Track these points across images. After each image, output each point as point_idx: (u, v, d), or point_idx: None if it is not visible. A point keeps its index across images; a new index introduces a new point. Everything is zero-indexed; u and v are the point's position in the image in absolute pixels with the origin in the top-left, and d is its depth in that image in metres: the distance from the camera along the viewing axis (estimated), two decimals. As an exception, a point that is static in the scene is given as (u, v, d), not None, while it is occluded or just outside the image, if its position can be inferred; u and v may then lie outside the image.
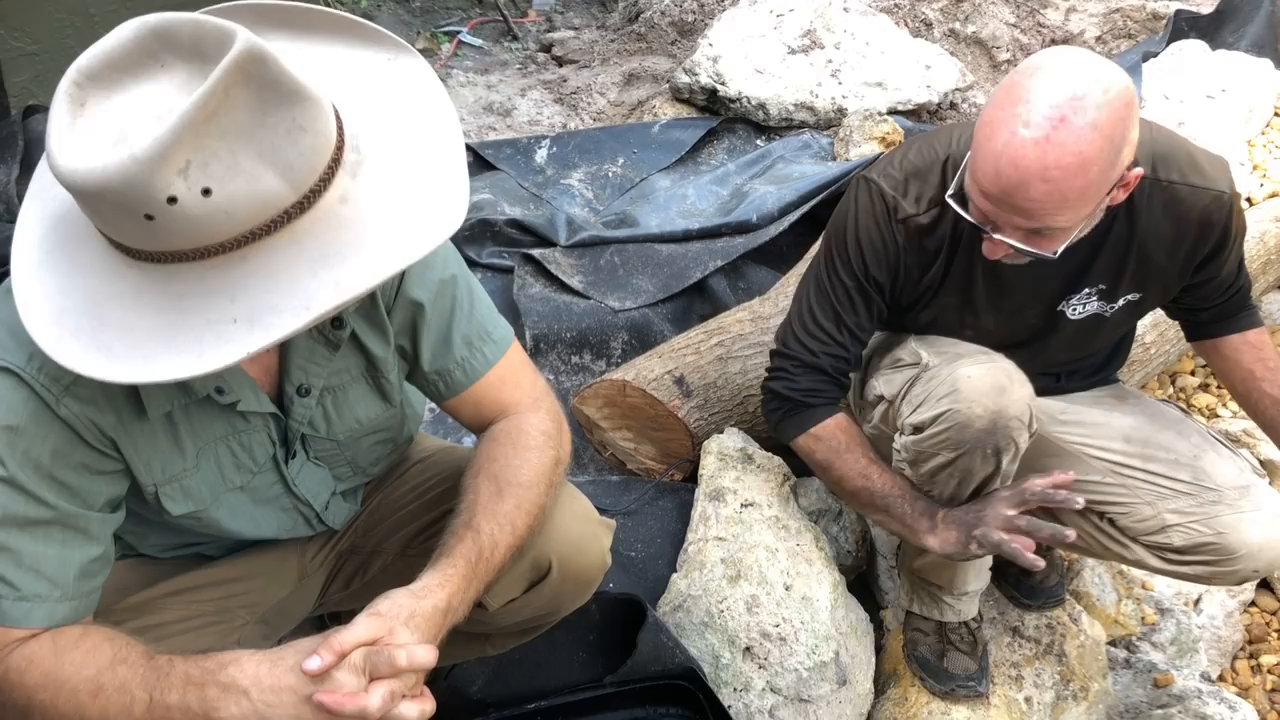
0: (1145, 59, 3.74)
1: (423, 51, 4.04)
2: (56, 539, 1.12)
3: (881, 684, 2.06)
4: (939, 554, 1.68)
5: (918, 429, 1.66)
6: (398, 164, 1.06)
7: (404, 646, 1.10)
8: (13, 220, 2.93)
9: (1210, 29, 3.94)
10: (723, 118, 3.37)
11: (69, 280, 1.01)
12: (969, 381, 1.59)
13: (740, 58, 3.35)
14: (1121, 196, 1.53)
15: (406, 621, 1.14)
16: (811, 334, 1.75)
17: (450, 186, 1.06)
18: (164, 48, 0.95)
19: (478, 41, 4.22)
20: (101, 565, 1.17)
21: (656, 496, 2.18)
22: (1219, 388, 3.17)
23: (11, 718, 1.11)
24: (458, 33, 4.24)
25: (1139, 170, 1.49)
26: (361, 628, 1.10)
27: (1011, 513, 1.60)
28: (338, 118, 1.02)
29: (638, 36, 3.89)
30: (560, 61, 3.99)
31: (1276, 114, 3.67)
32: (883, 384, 1.79)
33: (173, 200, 0.91)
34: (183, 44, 0.95)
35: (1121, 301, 1.74)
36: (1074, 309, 1.75)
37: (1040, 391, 1.75)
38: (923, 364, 1.72)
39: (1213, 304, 1.81)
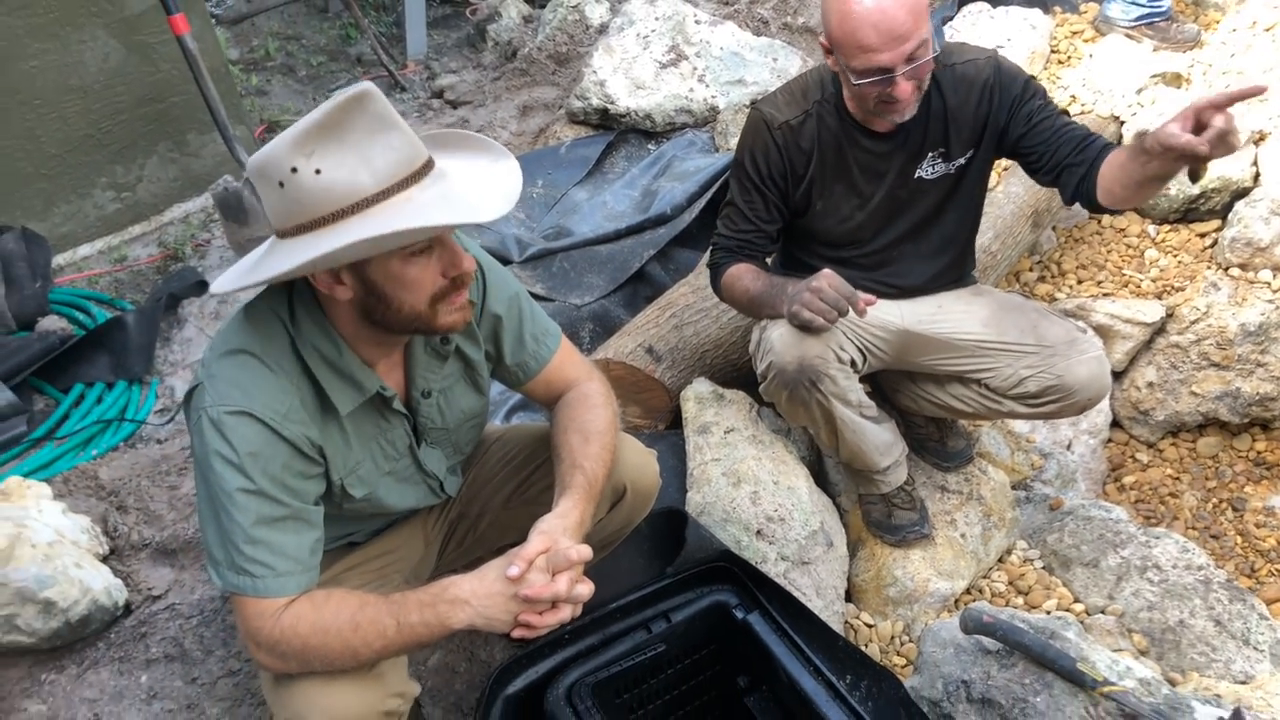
0: (944, 22, 4.45)
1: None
2: (292, 529, 1.46)
3: (852, 549, 2.61)
4: (788, 320, 2.12)
5: (762, 377, 2.25)
6: (464, 183, 1.46)
7: (571, 547, 1.49)
8: (10, 333, 3.29)
9: (990, -10, 4.65)
10: (617, 131, 3.90)
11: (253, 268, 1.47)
12: (779, 340, 2.16)
13: (622, 78, 3.88)
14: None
15: (563, 533, 1.52)
16: (728, 226, 2.35)
17: (494, 193, 1.46)
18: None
19: (371, 98, 4.59)
20: (320, 544, 1.54)
21: (651, 444, 2.68)
22: (1054, 277, 3.88)
23: (291, 662, 1.45)
24: (351, 93, 4.60)
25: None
26: (537, 542, 1.48)
27: (808, 295, 2.03)
28: (430, 160, 1.44)
29: (520, 72, 4.36)
30: (454, 104, 4.40)
31: (1053, 51, 4.42)
32: (751, 346, 2.34)
33: (295, 170, 1.33)
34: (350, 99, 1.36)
35: (961, 160, 2.26)
36: (926, 170, 2.26)
37: (919, 292, 2.37)
38: (761, 327, 2.27)
39: (1071, 149, 2.13)
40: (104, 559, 2.37)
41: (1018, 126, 2.20)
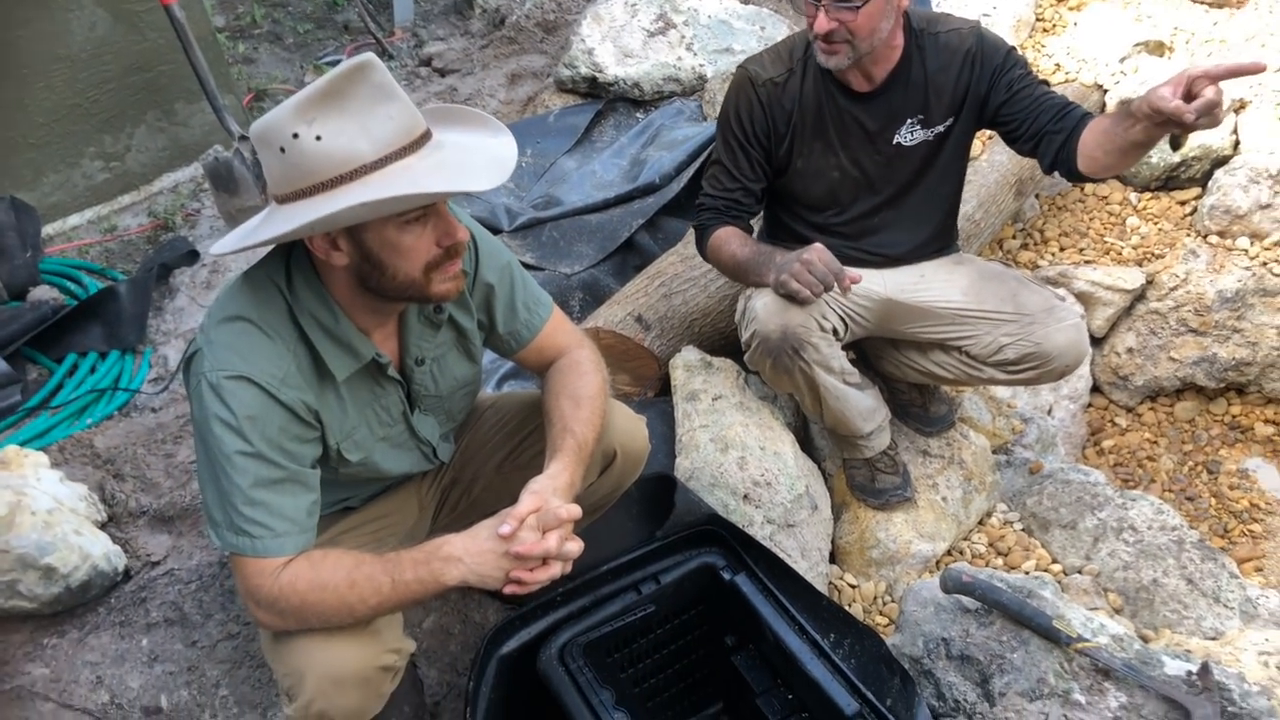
0: (932, -11, 4.46)
1: (313, 84, 4.44)
2: (289, 491, 1.50)
3: (836, 512, 2.67)
4: (772, 287, 2.16)
5: (746, 345, 2.30)
6: (460, 153, 1.49)
7: (561, 506, 1.53)
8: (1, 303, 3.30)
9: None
10: (605, 99, 3.91)
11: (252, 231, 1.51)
12: (763, 309, 2.20)
13: (610, 47, 3.89)
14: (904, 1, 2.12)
15: (554, 493, 1.56)
16: (713, 185, 2.38)
17: (489, 163, 1.49)
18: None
19: (359, 66, 4.58)
20: (317, 506, 1.58)
21: (640, 411, 2.72)
22: (1036, 245, 3.93)
23: (289, 620, 1.49)
24: (338, 61, 4.61)
25: None
26: (528, 501, 1.53)
27: (798, 266, 2.07)
28: (428, 130, 1.48)
29: (509, 40, 4.36)
30: (443, 72, 4.40)
31: (1038, 19, 4.45)
32: (737, 315, 2.39)
33: (296, 136, 1.36)
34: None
35: (941, 127, 2.30)
36: (905, 137, 2.30)
37: (902, 261, 2.41)
38: (746, 296, 2.32)
39: (1050, 118, 2.16)
40: (102, 526, 2.41)
41: (998, 95, 2.23)
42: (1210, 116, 1.77)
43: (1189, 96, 1.78)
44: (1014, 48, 2.28)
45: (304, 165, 1.39)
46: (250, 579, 1.49)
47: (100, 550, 2.27)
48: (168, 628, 2.25)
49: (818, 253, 2.07)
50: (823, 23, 2.07)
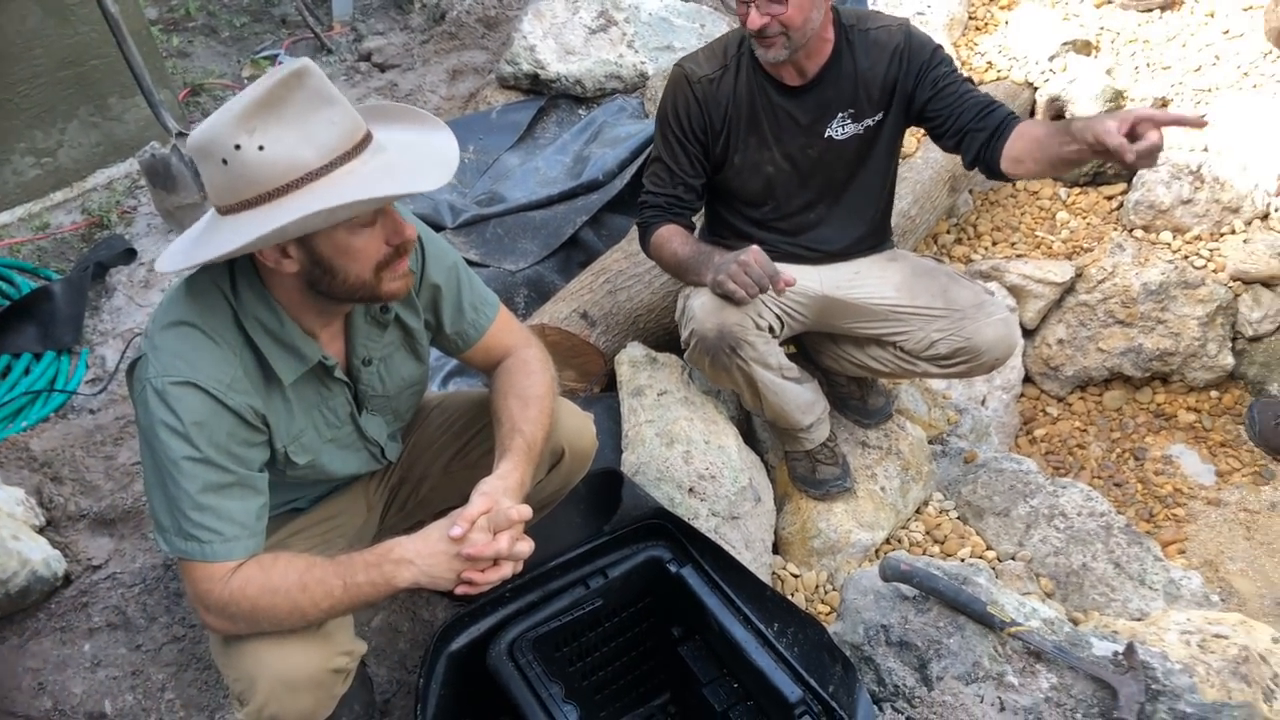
0: (869, -12, 4.54)
1: (250, 78, 4.38)
2: (238, 495, 1.51)
3: (779, 503, 2.73)
4: (709, 286, 2.20)
5: (685, 344, 2.35)
6: (405, 153, 1.51)
7: (512, 507, 1.55)
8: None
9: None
10: (548, 96, 3.93)
11: (182, 240, 1.51)
12: (701, 308, 2.25)
13: (552, 44, 3.90)
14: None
15: (504, 493, 1.58)
16: (654, 183, 2.41)
17: (435, 162, 1.51)
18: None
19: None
20: (266, 510, 1.58)
21: (586, 407, 2.75)
22: (970, 239, 4.03)
23: (240, 624, 1.50)
24: (276, 55, 4.56)
25: None
26: (479, 502, 1.55)
27: (735, 267, 2.10)
28: (369, 133, 1.48)
29: (450, 35, 4.34)
30: (382, 68, 4.37)
31: (971, 17, 4.54)
32: (677, 313, 2.43)
33: (238, 147, 1.35)
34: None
35: (871, 121, 2.35)
36: (836, 130, 2.36)
37: (838, 257, 2.47)
38: (685, 295, 2.36)
39: (972, 116, 2.23)
40: (40, 530, 2.38)
41: (924, 91, 2.30)
42: (1150, 158, 1.85)
43: (1132, 135, 1.86)
44: (940, 46, 2.34)
45: (248, 176, 1.39)
46: (200, 584, 1.49)
47: (39, 555, 2.24)
48: (110, 632, 2.23)
49: (754, 254, 2.11)
50: (755, 19, 2.13)
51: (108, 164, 3.81)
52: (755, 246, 2.15)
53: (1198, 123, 1.89)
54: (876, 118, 2.36)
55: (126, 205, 3.65)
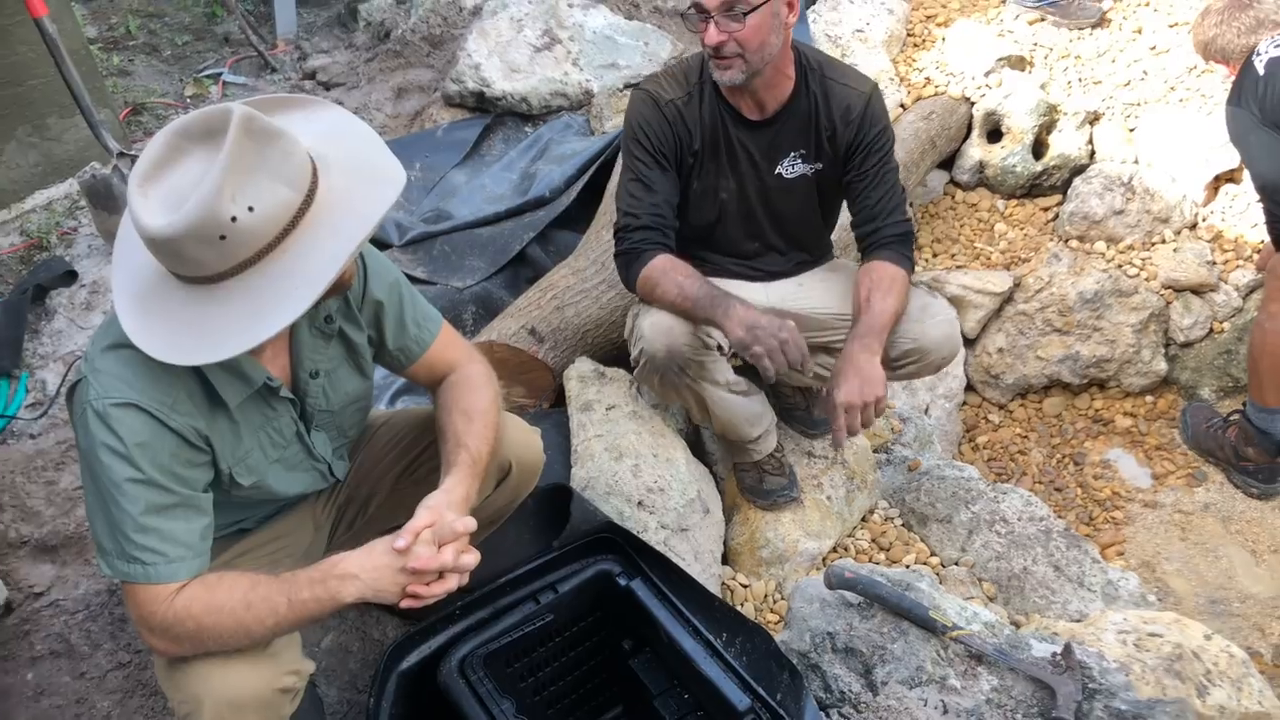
0: (808, 5, 4.62)
1: (193, 97, 4.35)
2: (182, 516, 1.50)
3: (728, 514, 2.76)
4: (733, 339, 2.14)
5: (635, 362, 2.37)
6: (348, 159, 1.50)
7: (456, 519, 1.58)
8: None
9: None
10: (494, 114, 3.94)
11: (163, 318, 1.45)
12: (651, 328, 2.27)
13: (497, 62, 3.92)
14: (790, 17, 2.20)
15: (448, 507, 1.61)
16: (633, 203, 2.33)
17: (390, 163, 1.53)
18: (184, 140, 1.39)
19: (241, 79, 4.51)
20: (210, 530, 1.58)
21: (536, 422, 2.76)
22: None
23: (185, 645, 1.49)
24: (219, 74, 4.53)
25: None
26: (423, 515, 1.57)
27: (775, 344, 2.09)
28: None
29: (394, 53, 4.34)
30: (327, 86, 4.36)
31: (909, 34, 4.64)
32: (626, 331, 2.45)
33: (234, 219, 1.34)
34: (195, 132, 1.38)
35: (820, 165, 2.40)
36: (787, 169, 2.40)
37: (782, 275, 2.52)
38: (634, 314, 2.38)
39: (864, 219, 2.39)
40: (-19, 558, 2.34)
41: (853, 166, 2.39)
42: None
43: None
44: (889, 126, 2.40)
45: (248, 239, 1.38)
46: (143, 606, 1.48)
47: (-21, 584, 2.21)
48: (54, 660, 2.20)
49: (792, 334, 2.09)
50: (713, 34, 2.15)
51: (47, 185, 3.75)
52: (792, 324, 2.12)
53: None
54: (821, 165, 2.42)
55: (67, 226, 3.60)
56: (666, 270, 2.26)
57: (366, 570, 1.52)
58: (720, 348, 2.32)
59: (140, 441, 1.46)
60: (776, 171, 2.40)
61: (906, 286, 2.36)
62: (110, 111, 3.86)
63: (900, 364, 2.46)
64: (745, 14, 2.12)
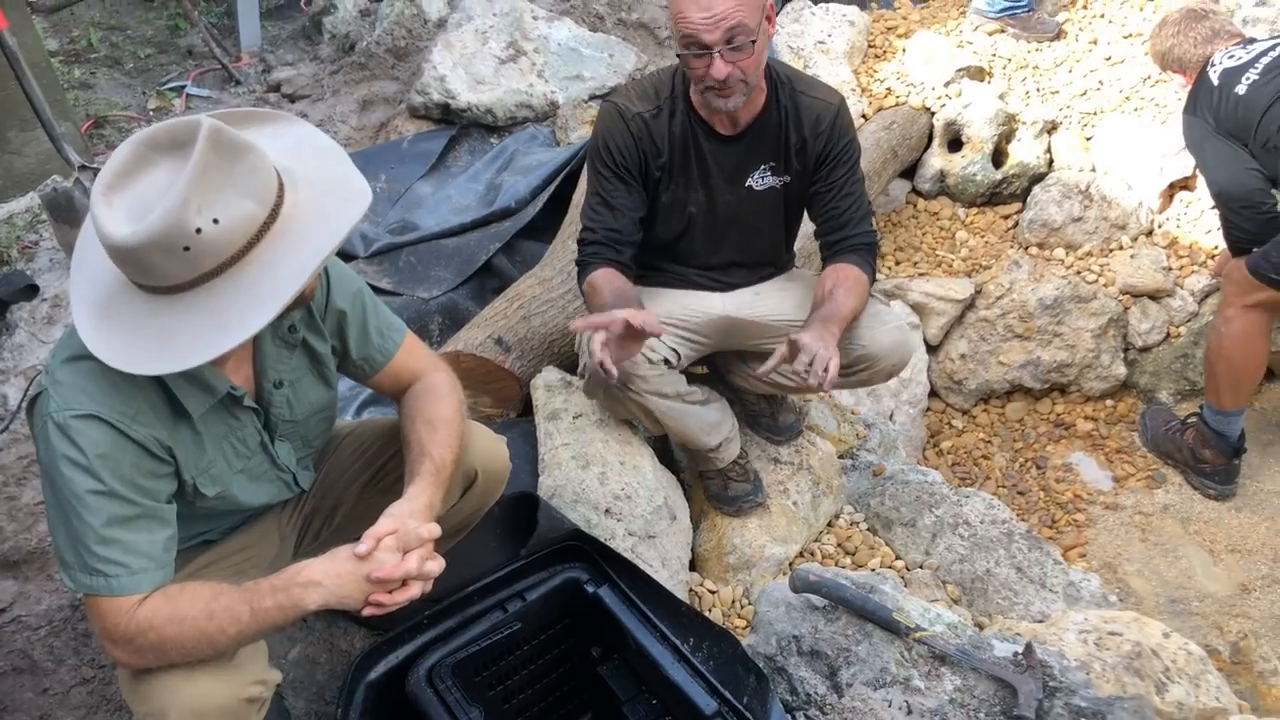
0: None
1: (156, 110, 4.33)
2: (145, 527, 1.50)
3: (695, 521, 2.77)
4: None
5: (581, 375, 2.38)
6: (315, 174, 1.53)
7: (420, 526, 1.58)
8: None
9: (812, -13, 4.89)
10: (459, 125, 3.95)
11: (123, 328, 1.44)
12: (593, 340, 2.20)
13: (462, 74, 3.94)
14: (770, 30, 2.20)
15: (412, 514, 1.60)
16: (592, 218, 2.37)
17: (356, 178, 1.55)
18: (151, 150, 1.39)
19: (205, 92, 4.49)
20: (174, 541, 1.56)
21: (503, 431, 2.75)
22: (876, 261, 4.14)
23: (148, 657, 1.48)
24: (183, 87, 4.50)
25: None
26: (386, 522, 1.57)
27: (594, 365, 2.06)
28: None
29: (359, 66, 4.34)
30: (292, 98, 4.35)
31: (870, 46, 4.70)
32: (576, 345, 2.45)
33: (199, 231, 1.34)
34: (163, 143, 1.38)
35: (788, 177, 2.43)
36: (757, 181, 2.43)
37: (741, 285, 2.54)
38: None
39: (830, 228, 2.42)
40: (-60, 575, 2.31)
41: (820, 176, 2.42)
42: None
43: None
44: (855, 138, 2.43)
45: (212, 251, 1.38)
46: (106, 618, 1.47)
47: (-61, 601, 2.18)
48: (16, 676, 2.18)
49: (600, 357, 2.07)
50: (720, 68, 2.11)
51: (7, 198, 3.71)
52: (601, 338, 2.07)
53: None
54: (791, 176, 2.44)
55: (28, 240, 3.57)
56: (599, 287, 2.29)
57: (330, 577, 1.52)
58: (667, 360, 2.34)
59: (101, 453, 1.45)
60: (747, 184, 2.42)
61: (867, 292, 2.40)
62: (72, 125, 3.83)
63: (852, 370, 2.47)
64: (752, 43, 2.11)
